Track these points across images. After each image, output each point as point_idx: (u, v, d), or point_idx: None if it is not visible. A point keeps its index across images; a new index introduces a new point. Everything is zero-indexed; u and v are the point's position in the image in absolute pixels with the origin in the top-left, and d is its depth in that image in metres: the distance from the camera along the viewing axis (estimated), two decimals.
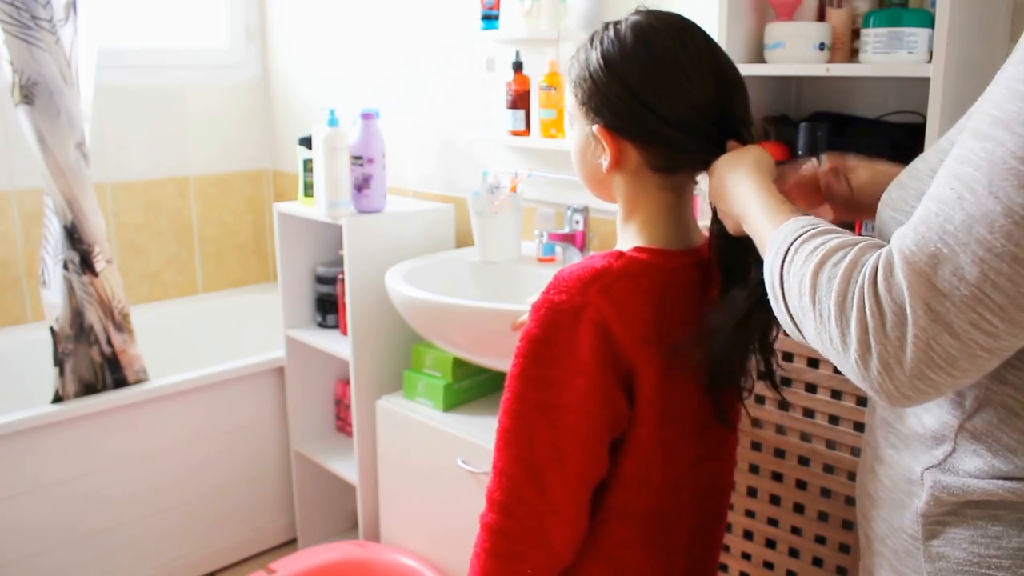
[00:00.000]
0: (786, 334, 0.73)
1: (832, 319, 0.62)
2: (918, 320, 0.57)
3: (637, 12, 0.92)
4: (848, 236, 0.66)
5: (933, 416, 0.71)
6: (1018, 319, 0.55)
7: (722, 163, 0.86)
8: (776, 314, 0.72)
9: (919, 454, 0.72)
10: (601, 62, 0.89)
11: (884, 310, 0.59)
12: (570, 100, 0.95)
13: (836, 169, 0.95)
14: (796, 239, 0.68)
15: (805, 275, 0.65)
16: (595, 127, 0.91)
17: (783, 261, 0.69)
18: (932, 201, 0.59)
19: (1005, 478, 0.66)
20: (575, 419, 0.86)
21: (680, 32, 0.89)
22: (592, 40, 0.92)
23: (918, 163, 0.76)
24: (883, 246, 0.62)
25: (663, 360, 0.89)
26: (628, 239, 0.95)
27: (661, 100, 0.88)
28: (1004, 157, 0.55)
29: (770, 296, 0.72)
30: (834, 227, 0.69)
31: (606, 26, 0.92)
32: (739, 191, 0.82)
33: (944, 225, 0.57)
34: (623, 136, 0.90)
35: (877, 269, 0.60)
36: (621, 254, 0.90)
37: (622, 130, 0.90)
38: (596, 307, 0.85)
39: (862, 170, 0.94)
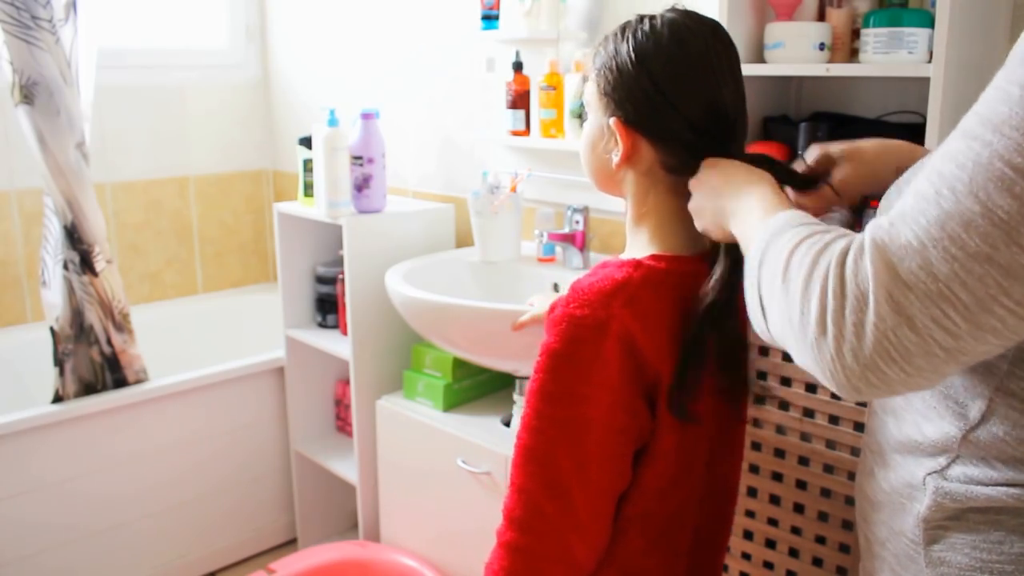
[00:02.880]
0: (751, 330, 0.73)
1: (796, 298, 0.62)
2: (879, 309, 0.56)
3: (673, 10, 0.91)
4: (827, 226, 0.67)
5: (934, 426, 0.70)
6: (982, 321, 0.54)
7: (737, 166, 0.85)
8: (748, 303, 0.72)
9: (921, 459, 0.72)
10: (632, 55, 0.88)
11: (846, 293, 0.58)
12: (590, 89, 0.93)
13: (824, 162, 0.96)
14: (780, 228, 0.69)
15: (780, 257, 0.65)
16: (612, 120, 0.90)
17: (763, 248, 0.69)
18: (911, 195, 0.59)
19: (1009, 484, 0.66)
20: (600, 434, 0.85)
21: (713, 35, 0.89)
22: (624, 31, 0.90)
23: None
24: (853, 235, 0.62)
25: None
26: (641, 246, 0.94)
27: (687, 101, 0.87)
28: (991, 159, 0.54)
29: (746, 284, 0.72)
30: (818, 220, 0.69)
31: (640, 19, 0.90)
32: (746, 192, 0.81)
33: (918, 218, 0.57)
34: (640, 132, 0.89)
35: (847, 253, 0.60)
36: (639, 263, 0.88)
37: (640, 126, 0.89)
38: (621, 320, 0.83)
39: (845, 165, 0.95)
